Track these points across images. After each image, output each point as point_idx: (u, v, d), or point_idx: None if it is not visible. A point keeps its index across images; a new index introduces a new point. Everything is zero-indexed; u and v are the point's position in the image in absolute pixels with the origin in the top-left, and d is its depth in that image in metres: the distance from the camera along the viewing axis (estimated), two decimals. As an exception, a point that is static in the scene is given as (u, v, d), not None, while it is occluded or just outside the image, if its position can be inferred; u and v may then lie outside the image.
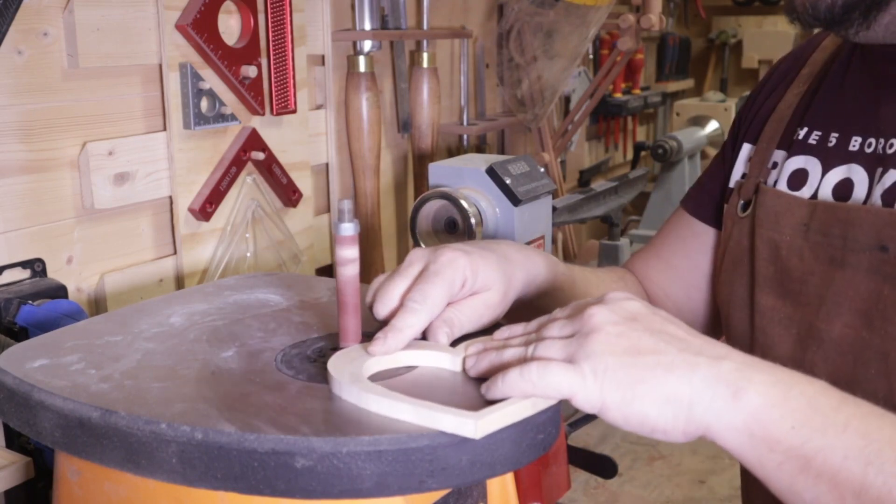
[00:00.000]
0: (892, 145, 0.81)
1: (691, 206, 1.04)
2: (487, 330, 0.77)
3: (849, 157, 0.85)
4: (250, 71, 1.49)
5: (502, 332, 0.72)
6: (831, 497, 0.59)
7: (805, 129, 0.90)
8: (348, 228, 0.69)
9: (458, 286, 0.75)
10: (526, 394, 0.63)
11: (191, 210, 1.46)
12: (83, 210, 1.32)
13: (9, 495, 1.02)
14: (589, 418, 2.06)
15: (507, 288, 0.79)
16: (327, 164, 1.78)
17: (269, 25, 1.53)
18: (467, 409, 0.61)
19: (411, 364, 0.71)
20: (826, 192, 0.86)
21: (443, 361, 0.72)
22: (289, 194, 1.63)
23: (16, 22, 1.16)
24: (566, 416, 2.12)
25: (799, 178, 0.88)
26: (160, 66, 1.40)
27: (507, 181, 1.49)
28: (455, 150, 2.23)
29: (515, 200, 1.49)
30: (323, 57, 1.74)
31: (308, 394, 0.66)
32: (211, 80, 1.45)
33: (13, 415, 0.69)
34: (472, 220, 1.48)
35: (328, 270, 1.80)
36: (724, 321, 0.96)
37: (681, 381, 0.61)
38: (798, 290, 0.85)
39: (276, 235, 1.61)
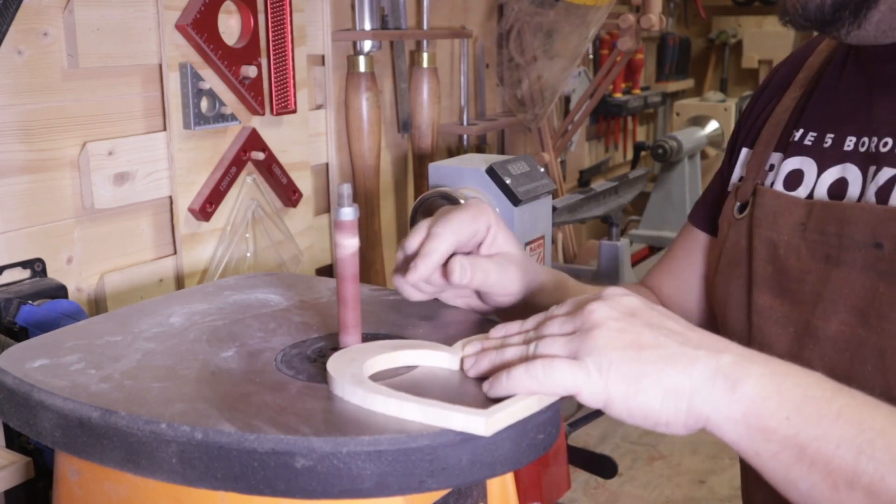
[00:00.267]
0: (885, 144, 0.82)
1: (695, 218, 1.06)
2: (482, 328, 0.78)
3: (843, 157, 0.86)
4: (250, 71, 1.49)
5: (498, 331, 0.72)
6: (825, 485, 0.60)
7: (801, 131, 0.91)
8: (348, 213, 0.69)
9: (481, 224, 0.81)
10: (531, 391, 0.64)
11: (191, 210, 1.46)
12: (83, 210, 1.32)
13: (9, 495, 1.02)
14: (589, 418, 2.06)
15: (526, 267, 0.85)
16: (327, 164, 1.78)
17: (269, 25, 1.53)
18: (471, 408, 0.61)
19: (409, 364, 0.71)
20: (822, 192, 0.87)
21: (441, 361, 0.72)
22: (289, 194, 1.63)
23: (16, 22, 1.16)
24: (566, 416, 2.12)
25: (795, 179, 0.89)
26: (160, 66, 1.40)
27: (507, 181, 1.49)
28: (455, 150, 2.23)
29: (515, 200, 1.49)
30: (323, 57, 1.74)
31: (308, 394, 0.66)
32: (211, 80, 1.45)
33: (13, 415, 0.69)
34: (472, 220, 1.48)
35: (328, 270, 1.80)
36: (720, 321, 0.97)
37: (682, 374, 0.62)
38: (795, 288, 0.86)
39: (276, 235, 1.61)
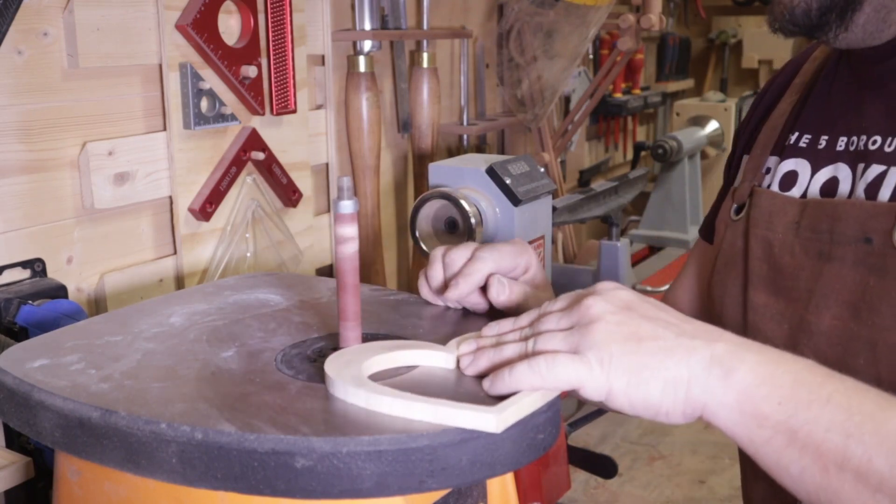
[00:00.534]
0: (874, 142, 0.84)
1: (703, 232, 1.09)
2: (479, 326, 0.78)
3: (836, 157, 0.88)
4: (250, 71, 1.49)
5: (491, 328, 0.73)
6: (816, 468, 0.62)
7: (796, 134, 0.93)
8: (347, 206, 0.69)
9: (522, 260, 0.85)
10: (535, 386, 0.64)
11: (191, 210, 1.46)
12: (83, 210, 1.33)
13: (9, 495, 1.02)
14: (589, 418, 2.06)
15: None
16: (327, 164, 1.78)
17: (269, 25, 1.53)
18: (480, 405, 0.62)
19: (406, 364, 0.71)
20: (814, 191, 0.89)
21: (437, 360, 0.72)
22: (289, 194, 1.63)
23: (16, 22, 1.16)
24: (566, 416, 2.12)
25: (790, 180, 0.92)
26: (160, 66, 1.40)
27: (507, 181, 1.49)
28: (455, 150, 2.23)
29: (515, 200, 1.49)
30: (323, 57, 1.74)
31: (308, 394, 0.66)
32: (211, 80, 1.45)
33: (13, 415, 0.69)
34: (472, 220, 1.48)
35: (328, 270, 1.80)
36: (716, 321, 0.98)
37: (680, 363, 0.64)
38: (789, 285, 0.87)
39: (276, 235, 1.61)
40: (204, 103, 1.44)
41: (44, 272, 1.26)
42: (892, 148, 0.83)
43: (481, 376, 0.68)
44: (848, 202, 0.84)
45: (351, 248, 0.71)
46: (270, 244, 1.60)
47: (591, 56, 3.08)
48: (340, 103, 1.83)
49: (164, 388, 0.67)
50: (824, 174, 0.89)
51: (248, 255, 1.56)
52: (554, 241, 2.55)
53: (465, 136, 2.21)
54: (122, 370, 0.71)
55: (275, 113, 1.57)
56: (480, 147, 2.30)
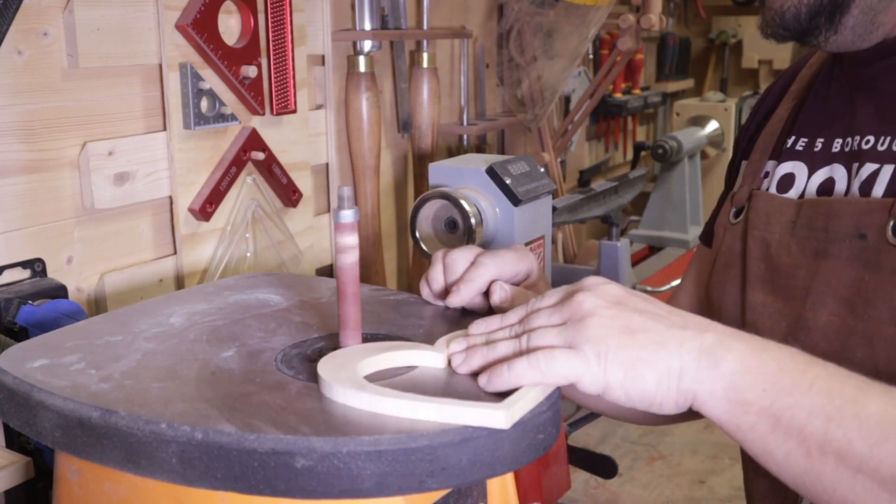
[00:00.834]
0: (867, 141, 0.86)
1: (703, 236, 1.10)
2: (462, 324, 0.79)
3: (831, 159, 0.90)
4: (250, 71, 1.49)
5: (478, 326, 0.74)
6: (799, 452, 0.64)
7: (793, 138, 0.95)
8: (348, 215, 0.69)
9: (523, 266, 0.85)
10: (535, 382, 0.65)
11: (191, 210, 1.46)
12: (83, 210, 1.33)
13: (9, 495, 1.02)
14: (589, 418, 2.06)
15: None
16: (327, 164, 1.78)
17: (269, 25, 1.53)
18: (486, 403, 0.62)
19: (397, 365, 0.71)
20: (811, 192, 0.91)
21: (427, 360, 0.72)
22: (289, 194, 1.63)
23: (16, 22, 1.16)
24: (566, 416, 2.12)
25: (787, 182, 0.93)
26: (160, 66, 1.40)
27: (507, 181, 1.49)
28: (455, 150, 2.23)
29: (515, 200, 1.49)
30: (323, 57, 1.74)
31: (308, 394, 0.66)
32: (211, 80, 1.45)
33: (13, 415, 0.69)
34: (472, 220, 1.48)
35: (328, 270, 1.80)
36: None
37: (672, 355, 0.66)
38: (787, 284, 0.89)
39: (276, 235, 1.61)
40: (204, 103, 1.44)
41: (44, 272, 1.26)
42: (884, 147, 0.84)
43: (474, 374, 0.69)
44: (842, 200, 0.85)
45: (352, 258, 0.71)
46: (270, 244, 1.60)
47: (591, 56, 3.08)
48: (340, 103, 1.83)
49: (164, 388, 0.67)
50: (820, 175, 0.90)
51: (248, 255, 1.56)
52: (554, 241, 2.55)
53: (465, 136, 2.21)
54: (122, 370, 0.71)
55: (275, 113, 1.57)
56: (480, 147, 2.30)
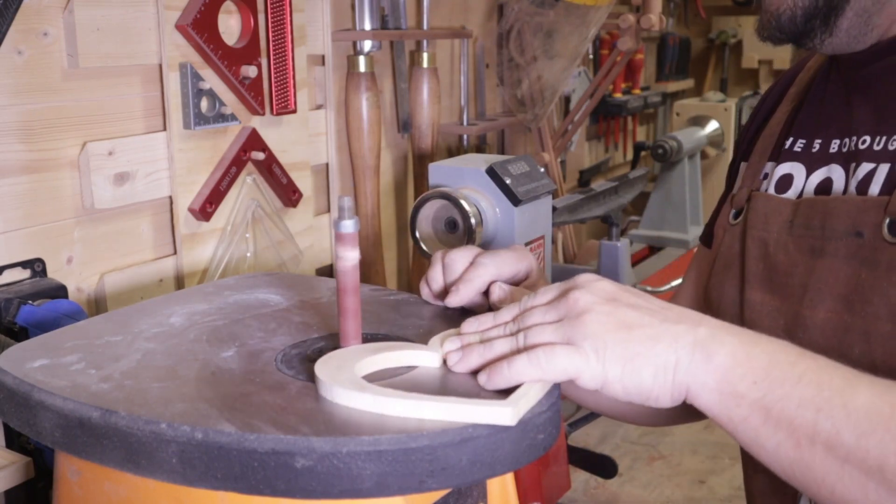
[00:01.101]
0: (864, 141, 0.87)
1: (703, 237, 1.11)
2: (453, 322, 0.79)
3: (829, 159, 0.91)
4: (250, 71, 1.49)
5: (470, 325, 0.74)
6: (789, 443, 0.65)
7: (791, 139, 0.97)
8: (348, 226, 0.69)
9: (523, 266, 0.85)
10: (535, 379, 0.66)
11: (191, 210, 1.46)
12: (83, 210, 1.32)
13: (9, 495, 1.02)
14: (589, 418, 2.06)
15: None
16: (327, 164, 1.78)
17: (269, 25, 1.53)
18: (491, 400, 0.63)
19: (392, 366, 0.71)
20: (809, 193, 0.92)
21: (422, 359, 0.72)
22: (289, 194, 1.63)
23: (16, 22, 1.16)
24: (566, 416, 2.12)
25: (785, 183, 0.95)
26: (160, 66, 1.40)
27: (507, 181, 1.49)
28: (455, 150, 2.23)
29: (515, 200, 1.49)
30: (323, 57, 1.74)
31: (308, 394, 0.66)
32: (211, 80, 1.45)
33: (13, 415, 0.69)
34: (472, 220, 1.48)
35: (328, 270, 1.80)
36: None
37: (668, 349, 0.67)
38: (784, 282, 0.90)
39: (276, 235, 1.61)
40: (204, 103, 1.44)
41: (44, 272, 1.26)
42: (880, 146, 0.86)
43: (470, 373, 0.69)
44: (839, 198, 0.87)
45: (352, 268, 0.71)
46: (270, 244, 1.60)
47: (591, 56, 3.08)
48: (340, 103, 1.83)
49: (164, 388, 0.67)
50: (818, 175, 0.92)
51: (248, 255, 1.56)
52: (554, 241, 2.55)
53: (465, 136, 2.21)
54: (122, 370, 0.71)
55: (275, 113, 1.57)
56: (480, 147, 2.29)
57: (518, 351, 0.68)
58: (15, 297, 1.17)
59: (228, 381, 0.69)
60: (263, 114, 1.55)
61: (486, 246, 1.51)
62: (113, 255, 1.39)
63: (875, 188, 0.84)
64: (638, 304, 0.70)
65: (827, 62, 0.97)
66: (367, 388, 0.64)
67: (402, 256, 2.10)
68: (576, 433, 2.08)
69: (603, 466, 1.86)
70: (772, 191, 0.95)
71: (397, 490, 0.59)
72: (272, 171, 1.58)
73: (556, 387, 0.68)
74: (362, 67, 1.81)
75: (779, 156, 0.97)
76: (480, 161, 1.56)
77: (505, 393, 0.65)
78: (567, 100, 2.84)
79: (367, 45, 1.81)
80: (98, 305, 1.36)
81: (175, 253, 1.47)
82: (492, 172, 1.50)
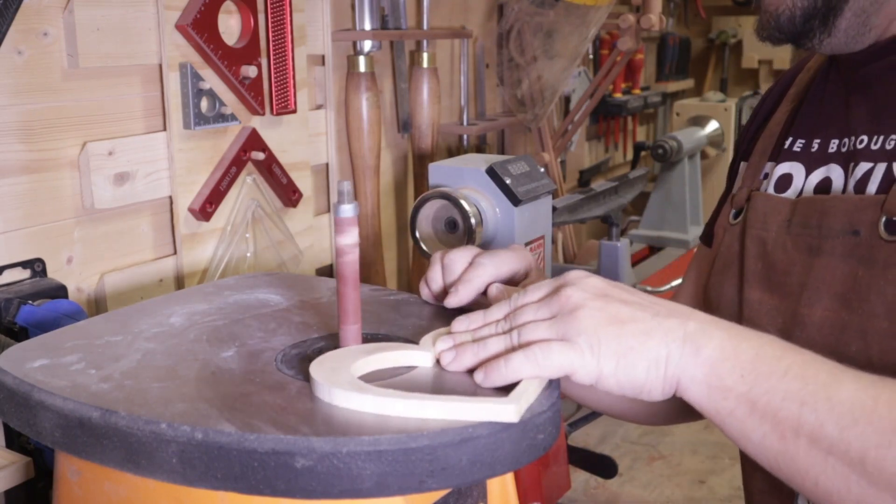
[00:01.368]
0: (861, 141, 0.88)
1: (703, 237, 1.11)
2: (443, 321, 0.80)
3: (828, 159, 0.92)
4: (250, 71, 1.49)
5: (461, 324, 0.75)
6: (774, 435, 0.66)
7: (791, 139, 0.97)
8: (348, 210, 0.69)
9: (522, 266, 0.85)
10: (532, 375, 0.66)
11: (191, 210, 1.46)
12: (83, 210, 1.33)
13: (9, 495, 1.02)
14: (589, 418, 2.06)
15: None
16: (327, 164, 1.78)
17: (269, 25, 1.53)
18: (493, 398, 0.63)
19: (386, 366, 0.72)
20: (808, 192, 0.93)
21: (415, 359, 0.72)
22: (289, 194, 1.63)
23: (16, 22, 1.16)
24: (566, 416, 2.12)
25: (784, 182, 0.95)
26: (160, 66, 1.40)
27: (507, 181, 1.49)
28: (455, 150, 2.23)
29: (515, 200, 1.49)
30: (323, 57, 1.74)
31: (308, 394, 0.66)
32: (211, 80, 1.45)
33: (13, 415, 0.69)
34: (472, 220, 1.48)
35: (328, 270, 1.80)
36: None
37: (660, 343, 0.68)
38: (782, 281, 0.90)
39: (276, 235, 1.61)
40: (204, 103, 1.44)
41: (44, 272, 1.26)
42: (877, 146, 0.86)
43: (461, 371, 0.70)
44: (835, 197, 0.87)
45: (351, 253, 0.71)
46: (270, 244, 1.60)
47: (591, 56, 3.08)
48: (340, 103, 1.83)
49: (164, 388, 0.67)
50: (817, 175, 0.92)
51: (248, 255, 1.56)
52: (554, 241, 2.55)
53: (465, 136, 2.21)
54: (122, 370, 0.71)
55: (275, 113, 1.57)
56: (480, 147, 2.30)
57: (513, 349, 0.69)
58: (15, 297, 1.17)
59: (228, 381, 0.69)
60: (263, 114, 1.55)
61: (486, 246, 1.51)
62: (113, 255, 1.39)
63: (872, 187, 0.85)
64: (629, 299, 0.71)
65: (826, 62, 0.98)
66: (368, 389, 0.64)
67: (402, 256, 2.10)
68: (576, 433, 2.08)
69: (603, 466, 1.86)
70: (771, 190, 0.96)
71: (397, 490, 0.59)
72: (272, 171, 1.58)
73: (557, 387, 0.68)
74: (362, 67, 1.81)
75: (778, 156, 0.97)
76: (480, 161, 1.56)
77: (501, 391, 0.66)
78: (567, 100, 2.84)
79: (367, 45, 1.81)
80: (98, 305, 1.36)
81: (175, 253, 1.47)
82: (492, 172, 1.50)
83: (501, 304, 0.75)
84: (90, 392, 0.66)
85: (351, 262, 0.71)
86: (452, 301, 0.83)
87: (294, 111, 1.60)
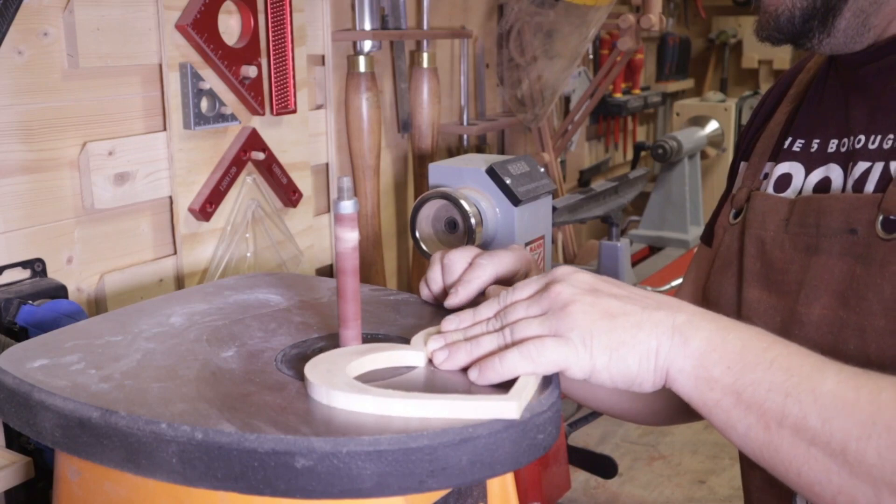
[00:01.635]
0: (859, 140, 0.88)
1: (703, 236, 1.11)
2: (433, 320, 0.80)
3: (827, 159, 0.92)
4: (250, 71, 1.49)
5: (451, 322, 0.75)
6: (759, 426, 0.67)
7: (790, 139, 0.98)
8: (348, 206, 0.70)
9: (522, 267, 0.85)
10: (527, 372, 0.67)
11: (191, 210, 1.46)
12: (83, 210, 1.32)
13: (9, 495, 1.02)
14: (589, 418, 2.06)
15: None
16: (327, 164, 1.78)
17: (269, 25, 1.53)
18: (495, 395, 0.63)
19: (381, 367, 0.72)
20: (808, 192, 0.93)
21: (408, 359, 0.72)
22: (289, 194, 1.63)
23: (16, 22, 1.16)
24: (566, 416, 2.12)
25: (784, 182, 0.95)
26: (160, 66, 1.40)
27: (507, 181, 1.49)
28: (455, 150, 2.23)
29: (515, 200, 1.49)
30: (323, 57, 1.74)
31: (308, 394, 0.66)
32: (211, 80, 1.45)
33: (13, 415, 0.69)
34: (472, 220, 1.48)
35: (328, 270, 1.80)
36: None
37: (650, 336, 0.69)
38: (780, 279, 0.91)
39: (276, 235, 1.61)
40: (204, 103, 1.44)
41: (44, 272, 1.26)
42: (874, 145, 0.87)
43: (453, 370, 0.71)
44: (833, 196, 0.88)
45: (351, 249, 0.71)
46: (270, 244, 1.60)
47: (591, 56, 3.07)
48: (340, 103, 1.83)
49: (164, 388, 0.67)
50: (817, 175, 0.93)
51: (248, 255, 1.56)
52: (554, 241, 2.55)
53: (465, 136, 2.21)
54: (122, 370, 0.71)
55: (275, 113, 1.57)
56: (480, 147, 2.29)
57: (506, 346, 0.70)
58: (15, 297, 1.17)
59: (228, 381, 0.69)
60: (263, 114, 1.55)
61: (486, 246, 1.51)
62: (113, 255, 1.39)
63: (870, 186, 0.85)
64: (618, 293, 0.72)
65: (826, 63, 0.98)
66: (367, 390, 0.64)
67: (402, 256, 2.10)
68: (576, 433, 2.08)
69: (603, 466, 1.86)
70: (771, 190, 0.96)
71: (397, 490, 0.59)
72: (272, 171, 1.58)
73: (557, 387, 0.68)
74: (362, 67, 1.81)
75: (778, 155, 0.98)
76: (480, 161, 1.56)
77: (496, 389, 0.66)
78: (567, 100, 2.84)
79: (367, 45, 1.81)
80: (98, 305, 1.36)
81: (175, 253, 1.47)
82: (492, 172, 1.50)
83: (491, 301, 0.75)
84: (90, 392, 0.66)
85: (351, 258, 0.71)
86: (452, 302, 0.83)
87: (294, 111, 1.60)
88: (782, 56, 3.91)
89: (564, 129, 2.51)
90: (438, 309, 0.87)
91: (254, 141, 1.54)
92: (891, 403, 0.63)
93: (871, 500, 0.64)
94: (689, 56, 3.89)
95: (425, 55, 2.00)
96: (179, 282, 1.48)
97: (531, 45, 2.28)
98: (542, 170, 1.60)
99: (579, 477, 1.96)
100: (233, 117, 1.49)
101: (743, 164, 1.05)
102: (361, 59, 1.81)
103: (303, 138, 1.66)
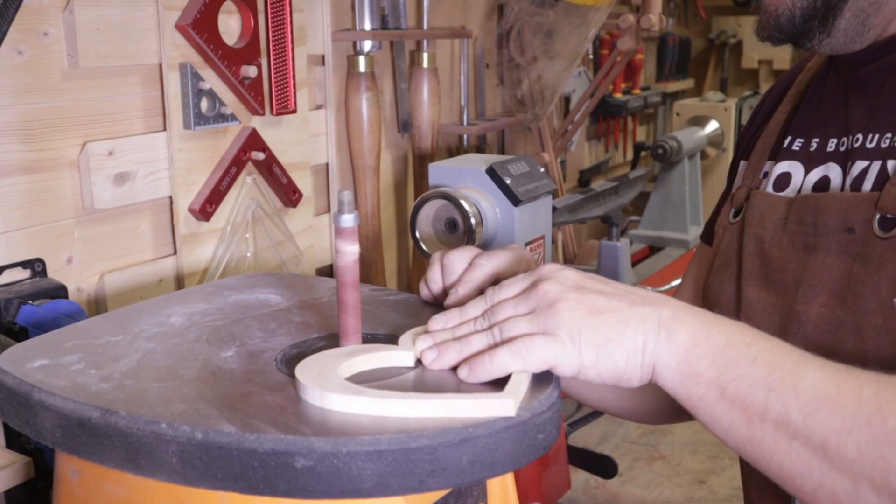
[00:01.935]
0: (857, 140, 0.89)
1: (703, 235, 1.12)
2: (421, 320, 0.80)
3: (827, 158, 0.93)
4: (250, 71, 1.49)
5: (438, 322, 0.76)
6: (741, 420, 0.68)
7: (790, 139, 0.98)
8: (348, 220, 0.70)
9: (521, 267, 0.85)
10: (517, 370, 0.68)
11: (191, 210, 1.46)
12: (83, 210, 1.32)
13: (9, 495, 1.02)
14: (589, 418, 2.06)
15: None
16: (327, 164, 1.78)
17: (269, 25, 1.53)
18: (490, 394, 0.63)
19: (369, 368, 0.72)
20: (807, 191, 0.93)
21: (396, 360, 0.72)
22: (289, 194, 1.63)
23: (16, 22, 1.16)
24: (566, 416, 2.12)
25: (783, 181, 0.96)
26: (160, 66, 1.40)
27: (507, 181, 1.49)
28: (455, 150, 2.23)
29: (515, 200, 1.49)
30: (323, 57, 1.74)
31: (301, 396, 0.66)
32: (211, 80, 1.45)
33: (13, 415, 0.69)
34: (472, 220, 1.48)
35: (328, 270, 1.80)
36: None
37: (637, 332, 0.69)
38: (779, 278, 0.91)
39: (276, 235, 1.61)
40: (204, 103, 1.44)
41: (44, 272, 1.26)
42: (872, 144, 0.87)
43: (444, 369, 0.71)
44: (830, 195, 0.88)
45: (352, 262, 0.71)
46: (270, 244, 1.60)
47: (591, 56, 3.08)
48: (340, 103, 1.83)
49: (164, 388, 0.67)
50: (816, 174, 0.93)
51: (248, 255, 1.56)
52: (554, 241, 2.55)
53: (465, 136, 2.21)
54: (122, 370, 0.71)
55: (275, 113, 1.57)
56: (480, 147, 2.29)
57: (495, 344, 0.70)
58: (15, 297, 1.17)
59: (228, 381, 0.69)
60: (263, 114, 1.55)
61: (486, 246, 1.51)
62: (113, 255, 1.39)
63: (868, 185, 0.86)
64: (605, 289, 0.72)
65: (826, 62, 0.99)
66: (362, 391, 0.64)
67: (402, 256, 2.10)
68: (576, 433, 2.08)
69: (603, 466, 1.86)
70: (770, 189, 0.96)
71: (397, 490, 0.59)
72: (272, 171, 1.58)
73: (557, 387, 0.69)
74: (362, 67, 1.81)
75: (777, 154, 0.98)
76: (480, 161, 1.56)
77: (487, 387, 0.67)
78: (567, 100, 2.84)
79: (367, 45, 1.81)
80: (98, 305, 1.36)
81: (175, 253, 1.47)
82: (492, 172, 1.50)
83: (478, 300, 0.76)
84: (90, 392, 0.66)
85: (352, 271, 0.71)
86: (451, 302, 0.83)
87: (294, 111, 1.60)
88: (782, 56, 3.91)
89: (564, 129, 2.51)
90: (438, 309, 0.87)
91: (254, 141, 1.54)
92: (871, 399, 0.64)
93: (850, 494, 0.64)
94: (689, 56, 3.89)
95: (425, 55, 2.00)
96: (179, 282, 1.48)
97: (531, 45, 2.28)
98: (542, 170, 1.60)
99: (579, 477, 1.96)
100: (233, 117, 1.49)
101: (743, 163, 1.05)
102: (361, 59, 1.81)
103: (303, 138, 1.66)
